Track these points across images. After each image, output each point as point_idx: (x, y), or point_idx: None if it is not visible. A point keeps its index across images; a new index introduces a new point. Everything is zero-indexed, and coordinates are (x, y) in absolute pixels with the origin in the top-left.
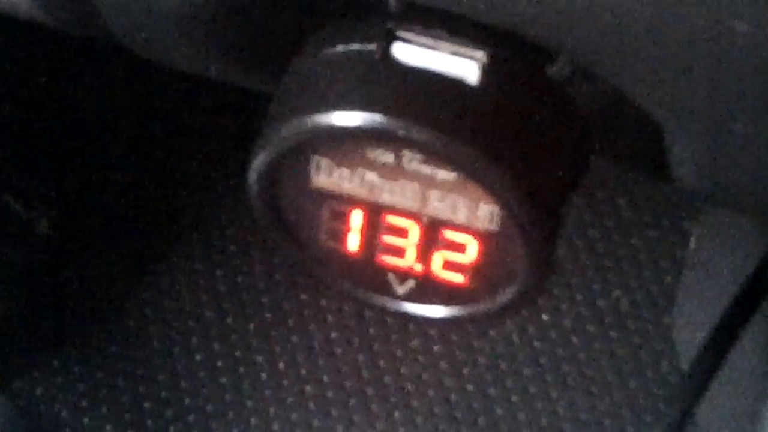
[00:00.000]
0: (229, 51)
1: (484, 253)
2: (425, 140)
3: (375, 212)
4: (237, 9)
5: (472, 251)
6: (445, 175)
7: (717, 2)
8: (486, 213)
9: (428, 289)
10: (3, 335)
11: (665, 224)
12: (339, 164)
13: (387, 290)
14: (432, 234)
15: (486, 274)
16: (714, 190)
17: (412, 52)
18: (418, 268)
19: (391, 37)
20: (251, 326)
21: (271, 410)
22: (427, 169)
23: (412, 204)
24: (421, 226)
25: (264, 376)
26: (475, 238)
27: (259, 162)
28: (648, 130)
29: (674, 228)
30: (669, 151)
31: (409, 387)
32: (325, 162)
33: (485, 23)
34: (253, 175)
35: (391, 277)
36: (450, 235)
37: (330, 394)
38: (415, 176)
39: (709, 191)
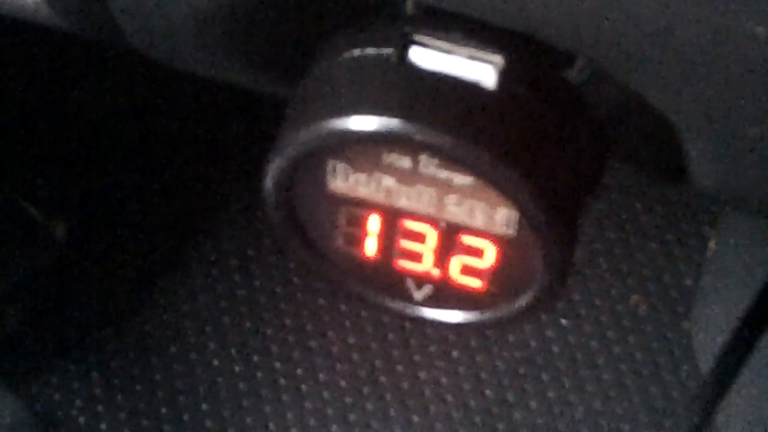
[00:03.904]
0: (245, 55)
1: (502, 258)
2: (442, 145)
3: (392, 217)
4: (252, 13)
5: (489, 256)
6: (462, 179)
7: (736, 5)
8: (503, 217)
9: (446, 294)
10: (20, 340)
11: (683, 228)
12: (355, 169)
13: (405, 295)
14: (449, 239)
15: (504, 279)
16: (731, 194)
17: (429, 57)
18: (436, 273)
19: (408, 41)
20: (269, 331)
21: (289, 415)
22: (444, 174)
23: (429, 209)
24: (439, 231)
25: (282, 381)
26: (492, 242)
27: (275, 167)
28: (665, 133)
29: (693, 232)
30: (686, 154)
31: (428, 392)
32: (341, 167)
33: (502, 27)
34: (269, 180)
35: (408, 282)
36: (467, 239)
37: (348, 399)
38: (432, 181)
39: (726, 194)
